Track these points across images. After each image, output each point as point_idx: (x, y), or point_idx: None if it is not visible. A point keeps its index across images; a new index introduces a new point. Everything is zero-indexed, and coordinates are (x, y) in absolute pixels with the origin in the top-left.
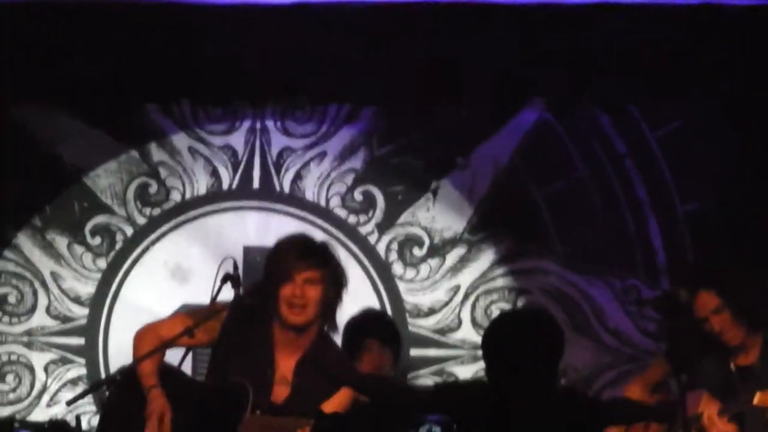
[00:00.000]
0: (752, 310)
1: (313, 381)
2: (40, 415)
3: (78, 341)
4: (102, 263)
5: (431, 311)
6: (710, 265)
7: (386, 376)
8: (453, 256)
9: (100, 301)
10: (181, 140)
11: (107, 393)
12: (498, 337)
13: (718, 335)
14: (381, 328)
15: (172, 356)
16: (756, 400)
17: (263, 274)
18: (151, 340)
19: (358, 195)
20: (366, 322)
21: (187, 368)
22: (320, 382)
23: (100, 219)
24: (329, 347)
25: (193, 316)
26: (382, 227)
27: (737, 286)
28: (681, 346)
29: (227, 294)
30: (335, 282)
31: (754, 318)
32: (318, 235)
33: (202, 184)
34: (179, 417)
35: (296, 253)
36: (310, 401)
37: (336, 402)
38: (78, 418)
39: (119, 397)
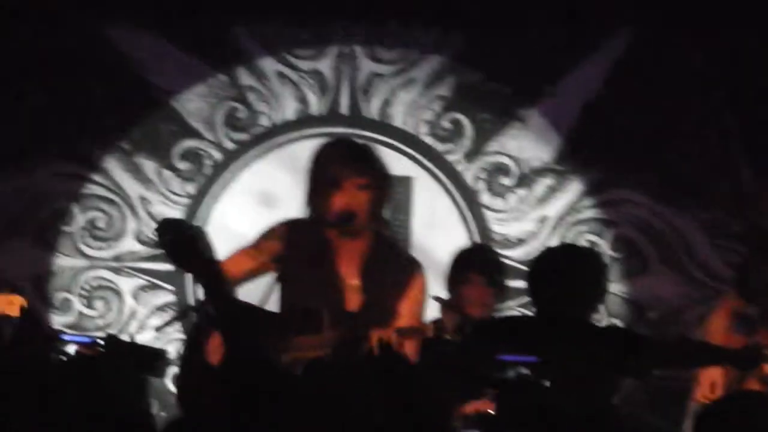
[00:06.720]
0: None
1: (382, 282)
2: None
3: (166, 267)
4: (190, 188)
5: (520, 242)
6: None
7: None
8: (541, 186)
9: None
10: (269, 65)
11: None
12: (538, 274)
13: None
14: (486, 265)
15: None
16: None
17: (309, 183)
18: None
19: (446, 123)
20: (472, 255)
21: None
22: (389, 282)
23: (188, 143)
24: (390, 247)
25: (253, 245)
26: (470, 155)
27: None
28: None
29: None
30: (382, 184)
31: None
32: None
33: (289, 110)
34: None
35: (343, 159)
36: (383, 303)
37: (410, 302)
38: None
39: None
